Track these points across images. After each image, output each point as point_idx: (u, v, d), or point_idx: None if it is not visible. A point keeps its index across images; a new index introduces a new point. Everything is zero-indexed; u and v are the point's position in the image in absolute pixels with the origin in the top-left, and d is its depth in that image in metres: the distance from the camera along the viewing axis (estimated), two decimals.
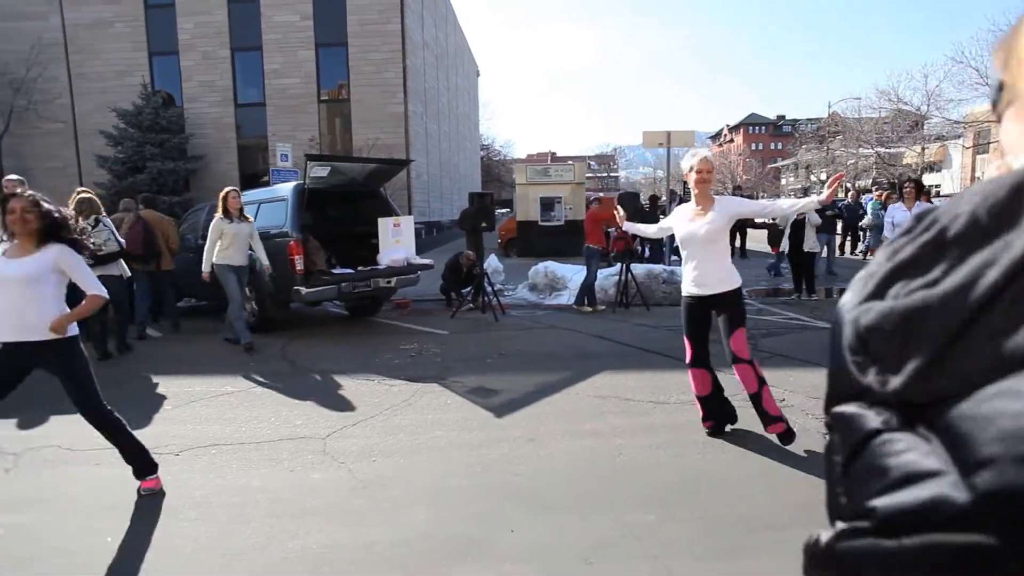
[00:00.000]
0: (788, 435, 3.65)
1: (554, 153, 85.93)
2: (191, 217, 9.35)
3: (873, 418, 0.50)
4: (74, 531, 2.90)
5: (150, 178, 16.82)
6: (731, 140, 79.91)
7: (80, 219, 6.50)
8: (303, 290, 7.08)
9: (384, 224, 7.88)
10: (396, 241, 7.93)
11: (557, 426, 4.11)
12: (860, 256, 14.76)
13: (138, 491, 3.22)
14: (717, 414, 3.90)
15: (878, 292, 0.52)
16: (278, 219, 7.41)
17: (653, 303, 8.71)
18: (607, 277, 9.25)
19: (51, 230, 3.11)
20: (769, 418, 3.65)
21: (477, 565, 2.55)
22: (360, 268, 7.80)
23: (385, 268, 7.74)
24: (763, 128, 79.81)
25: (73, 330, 3.15)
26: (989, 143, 24.65)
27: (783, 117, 77.94)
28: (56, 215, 3.14)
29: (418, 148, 19.67)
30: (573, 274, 9.71)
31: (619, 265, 8.90)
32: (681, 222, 3.80)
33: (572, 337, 6.89)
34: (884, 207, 12.33)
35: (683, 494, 3.12)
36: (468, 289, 9.04)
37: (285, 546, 2.72)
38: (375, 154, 15.91)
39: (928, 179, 29.67)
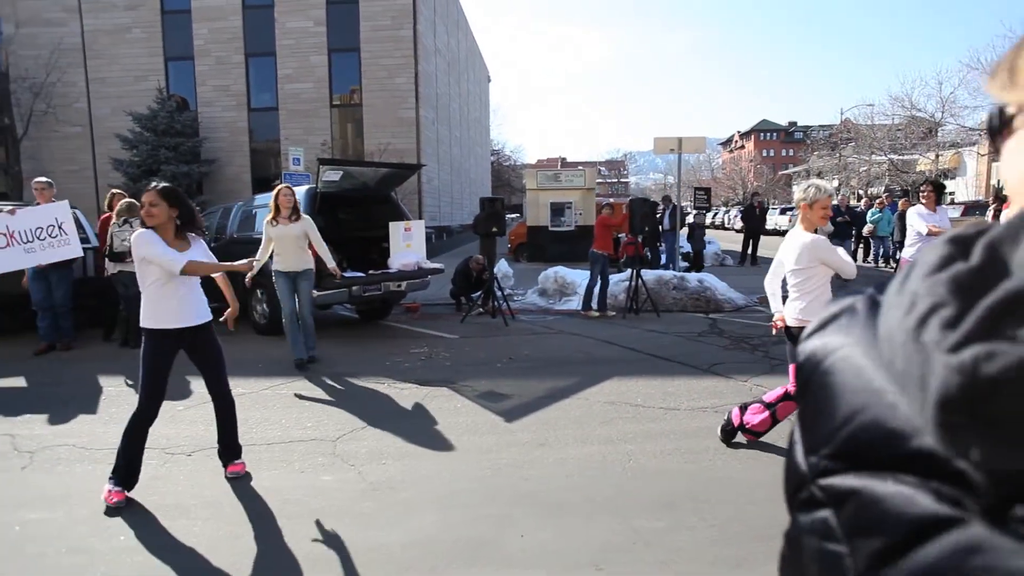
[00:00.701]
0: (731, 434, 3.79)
1: (564, 158, 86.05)
2: (205, 220, 9.43)
3: (938, 503, 0.34)
4: (87, 529, 2.93)
5: (165, 181, 17.02)
6: (742, 146, 79.63)
7: (118, 219, 6.73)
8: (314, 293, 7.10)
9: (395, 228, 7.92)
10: (407, 245, 7.96)
11: (567, 431, 4.11)
12: (872, 264, 14.58)
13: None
14: None
15: (990, 329, 0.34)
16: None
17: (663, 309, 8.68)
18: (617, 283, 9.23)
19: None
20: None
21: (486, 568, 2.55)
22: (371, 272, 7.84)
23: (396, 272, 7.77)
24: (774, 134, 79.46)
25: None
26: None
27: (795, 123, 77.57)
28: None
29: (429, 153, 19.76)
30: (583, 279, 9.70)
31: (629, 271, 8.88)
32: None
33: (582, 343, 6.88)
34: (900, 215, 12.24)
35: (694, 501, 3.10)
36: (478, 293, 9.05)
37: (297, 546, 2.73)
38: (386, 159, 16.01)
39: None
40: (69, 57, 18.76)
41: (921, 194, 6.73)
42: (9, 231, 6.36)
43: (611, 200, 11.48)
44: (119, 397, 5.08)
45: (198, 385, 5.32)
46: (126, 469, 3.17)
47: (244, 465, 3.52)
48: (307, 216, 6.02)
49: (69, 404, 4.89)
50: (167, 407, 4.74)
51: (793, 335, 3.51)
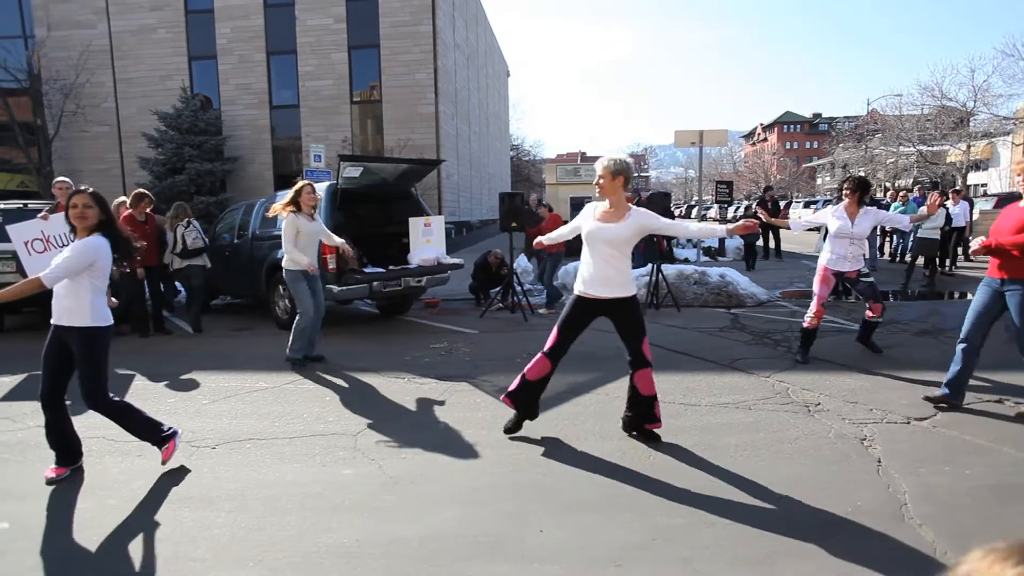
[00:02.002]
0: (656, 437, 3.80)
1: (584, 153, 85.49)
2: (227, 217, 9.58)
3: None
4: (115, 520, 3.00)
5: (188, 179, 17.32)
6: (765, 139, 78.31)
7: (174, 221, 7.07)
8: (335, 288, 7.19)
9: (415, 224, 7.96)
10: (427, 241, 8.00)
11: (586, 427, 4.09)
12: (888, 259, 14.11)
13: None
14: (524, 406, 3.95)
15: None
16: None
17: (684, 304, 8.60)
18: (637, 278, 9.17)
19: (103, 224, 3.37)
20: (654, 418, 3.80)
21: (505, 564, 2.55)
22: (391, 267, 7.89)
23: (416, 267, 7.81)
24: (798, 127, 78.02)
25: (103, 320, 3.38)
26: None
27: (819, 115, 76.08)
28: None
29: (448, 148, 19.80)
30: None
31: (650, 266, 8.81)
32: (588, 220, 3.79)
33: (602, 338, 6.83)
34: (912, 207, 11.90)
35: (715, 497, 3.07)
36: (498, 289, 9.06)
37: (317, 539, 2.76)
38: (406, 154, 16.08)
39: (973, 178, 28.59)
40: (98, 58, 19.16)
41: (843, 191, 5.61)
42: (45, 235, 6.53)
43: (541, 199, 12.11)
44: (144, 390, 5.19)
45: (221, 380, 5.42)
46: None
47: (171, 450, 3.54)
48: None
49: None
50: (192, 401, 4.85)
51: None
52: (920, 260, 10.74)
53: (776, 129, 77.73)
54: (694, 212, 16.88)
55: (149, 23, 19.32)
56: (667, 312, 8.24)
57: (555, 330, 3.85)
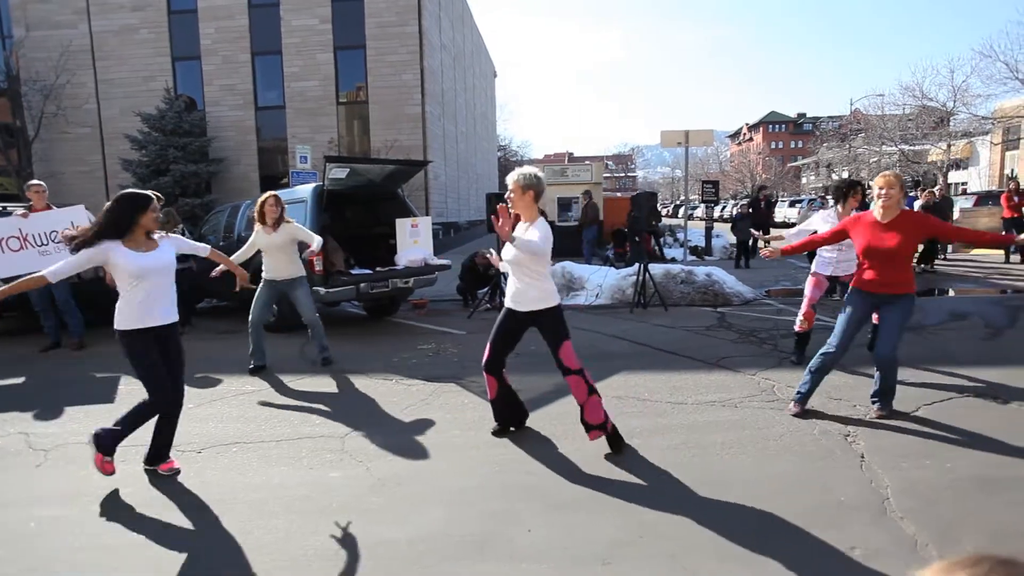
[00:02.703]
0: (616, 441, 3.68)
1: (571, 153, 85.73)
2: (213, 219, 9.50)
3: None
4: (101, 526, 2.97)
5: (173, 181, 17.15)
6: (750, 139, 78.98)
7: (166, 228, 7.12)
8: (322, 290, 7.16)
9: (402, 225, 7.94)
10: (414, 242, 7.98)
11: (574, 426, 4.10)
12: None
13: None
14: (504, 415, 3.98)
15: None
16: (298, 220, 7.48)
17: (671, 303, 8.65)
18: (625, 277, 9.22)
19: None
20: (589, 427, 3.66)
21: (494, 563, 2.56)
22: (378, 269, 7.87)
23: (403, 268, 7.80)
24: (783, 126, 78.78)
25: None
26: (1019, 139, 24.06)
27: (804, 115, 76.87)
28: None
29: (435, 149, 19.77)
30: (591, 274, 9.69)
31: (637, 265, 8.86)
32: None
33: (590, 337, 6.87)
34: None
35: (702, 495, 3.10)
36: (485, 289, 9.06)
37: (305, 541, 2.76)
38: (393, 155, 16.04)
39: (954, 176, 29.03)
40: (78, 59, 18.92)
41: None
42: (23, 234, 6.44)
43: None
44: (133, 395, 5.13)
45: (207, 384, 5.38)
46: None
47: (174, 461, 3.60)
48: (290, 221, 5.83)
49: (82, 402, 4.95)
50: None
51: None
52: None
53: (761, 129, 78.42)
54: (680, 211, 16.99)
55: (131, 23, 19.11)
56: (654, 311, 8.29)
57: (488, 344, 3.87)
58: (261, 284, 5.83)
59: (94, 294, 7.79)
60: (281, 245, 5.74)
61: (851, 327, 4.06)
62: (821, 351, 4.14)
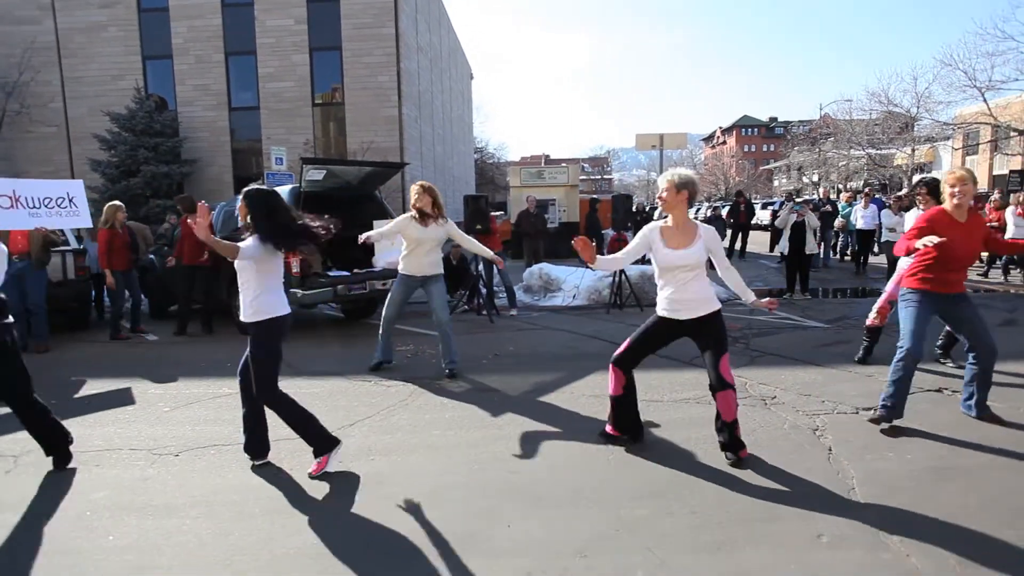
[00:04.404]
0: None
1: (548, 156, 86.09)
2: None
3: None
4: (76, 530, 2.94)
5: (144, 182, 16.82)
6: (724, 142, 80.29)
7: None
8: (299, 292, 7.12)
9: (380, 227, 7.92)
10: (392, 243, 7.97)
11: (553, 425, 4.17)
12: (838, 258, 14.63)
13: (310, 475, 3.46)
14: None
15: None
16: None
17: (647, 304, 8.79)
18: (601, 278, 9.33)
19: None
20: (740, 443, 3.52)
21: (475, 559, 2.61)
22: (356, 270, 7.85)
23: (381, 270, 7.79)
24: (755, 130, 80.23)
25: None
26: (978, 144, 24.89)
27: (775, 119, 78.36)
28: None
29: (412, 151, 19.72)
30: (567, 275, 9.79)
31: None
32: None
33: (567, 338, 6.96)
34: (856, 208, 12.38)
35: (676, 489, 3.18)
36: (464, 292, 9.10)
37: (286, 542, 2.77)
38: (369, 157, 15.97)
39: (918, 179, 29.92)
40: (43, 56, 18.45)
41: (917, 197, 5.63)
42: (15, 195, 6.41)
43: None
44: (101, 399, 5.06)
45: (183, 386, 5.32)
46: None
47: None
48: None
49: (49, 406, 4.86)
50: (152, 409, 4.75)
51: None
52: (887, 262, 11.16)
53: (734, 132, 79.76)
54: (656, 214, 17.22)
55: (99, 20, 18.70)
56: (630, 311, 8.41)
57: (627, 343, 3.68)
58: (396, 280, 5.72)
59: (66, 298, 7.66)
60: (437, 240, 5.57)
61: (923, 324, 3.92)
62: (899, 356, 3.87)
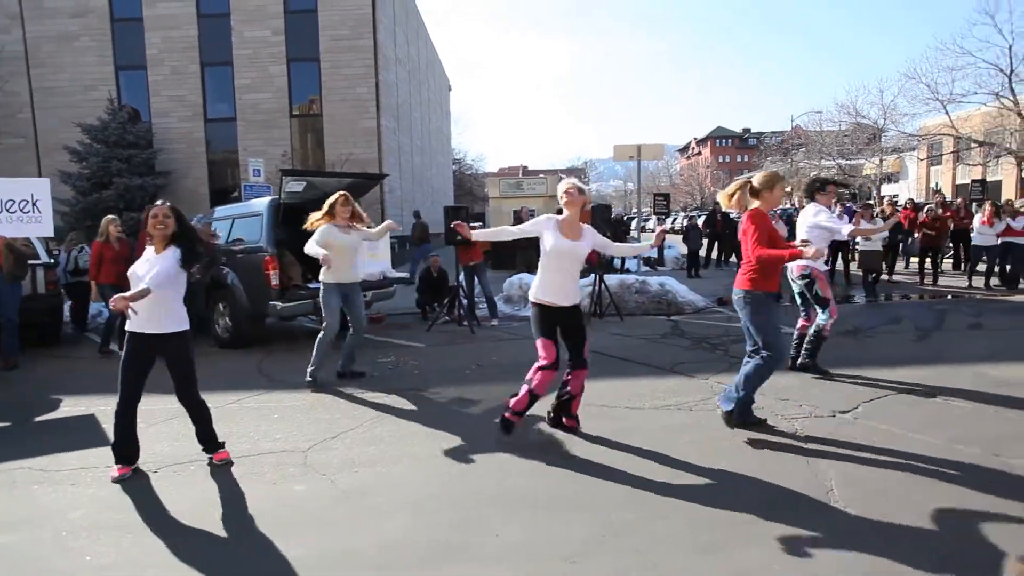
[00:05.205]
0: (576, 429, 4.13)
1: (526, 167, 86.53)
2: None
3: None
4: (51, 551, 2.86)
5: (116, 194, 16.50)
6: (699, 153, 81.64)
7: (69, 245, 6.88)
8: (279, 305, 7.06)
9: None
10: (371, 255, 7.95)
11: (537, 433, 4.19)
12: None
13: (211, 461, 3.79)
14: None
15: None
16: (253, 234, 7.39)
17: (626, 313, 8.88)
18: (581, 287, 9.39)
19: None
20: (572, 416, 4.16)
21: (463, 567, 2.61)
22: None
23: (360, 282, 7.74)
24: (729, 141, 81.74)
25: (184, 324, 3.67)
26: (941, 155, 25.70)
27: (748, 130, 79.93)
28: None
29: (391, 163, 19.69)
30: None
31: (593, 276, 9.06)
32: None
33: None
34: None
35: (663, 493, 3.22)
36: (444, 302, 9.09)
37: (271, 556, 2.73)
38: (348, 169, 15.92)
39: (886, 189, 30.73)
40: (10, 66, 18.07)
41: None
42: None
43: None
44: (73, 417, 4.95)
45: (160, 402, 5.22)
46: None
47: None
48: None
49: (21, 424, 4.74)
50: None
51: None
52: (862, 271, 11.41)
53: (709, 143, 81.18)
54: (633, 224, 17.41)
55: (71, 30, 18.39)
56: (610, 320, 8.49)
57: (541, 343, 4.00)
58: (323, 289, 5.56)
59: (36, 312, 7.47)
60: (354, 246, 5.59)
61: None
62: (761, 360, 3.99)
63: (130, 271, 3.64)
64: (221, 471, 3.69)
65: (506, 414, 4.03)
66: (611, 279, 9.46)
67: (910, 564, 2.50)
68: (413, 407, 4.90)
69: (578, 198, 3.99)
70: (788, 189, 38.40)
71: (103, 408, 5.06)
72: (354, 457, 3.86)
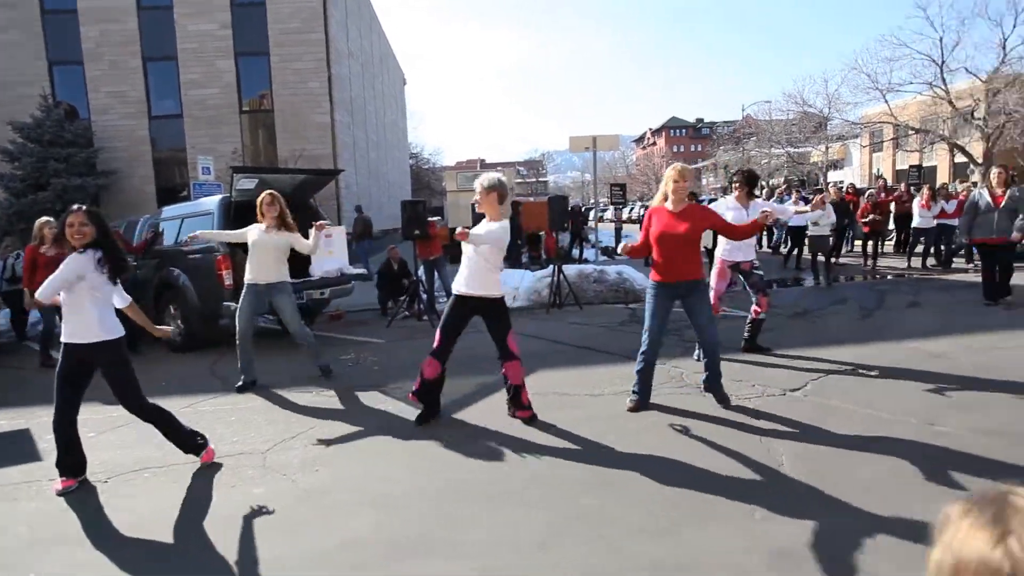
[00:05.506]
0: (533, 419, 4.22)
1: (484, 160, 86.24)
2: None
3: None
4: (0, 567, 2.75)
5: (55, 195, 15.74)
6: (654, 143, 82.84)
7: (4, 251, 6.42)
8: (233, 305, 6.86)
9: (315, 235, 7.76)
10: (328, 252, 7.82)
11: (499, 424, 4.22)
12: (770, 251, 15.51)
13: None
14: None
15: None
16: None
17: (585, 302, 8.99)
18: (540, 279, 9.47)
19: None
20: (523, 407, 4.24)
21: (429, 560, 2.62)
22: (292, 280, 7.64)
23: (318, 279, 7.63)
24: (683, 131, 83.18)
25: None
26: (882, 142, 26.78)
27: (701, 120, 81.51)
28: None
29: (346, 158, 19.35)
30: (507, 278, 9.87)
31: (551, 267, 9.14)
32: None
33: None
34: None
35: (623, 478, 3.29)
36: (403, 297, 9.03)
37: (232, 560, 2.69)
38: (302, 165, 15.57)
39: (833, 175, 31.86)
40: None
41: (733, 185, 5.91)
42: None
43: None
44: (13, 431, 4.73)
45: (109, 410, 5.04)
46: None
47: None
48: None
49: None
50: None
51: None
52: (811, 255, 11.76)
53: (664, 133, 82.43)
54: (591, 215, 17.62)
55: None
56: (570, 310, 8.58)
57: (438, 332, 4.32)
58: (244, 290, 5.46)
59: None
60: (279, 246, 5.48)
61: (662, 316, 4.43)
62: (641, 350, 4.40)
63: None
64: (175, 478, 3.60)
65: (409, 395, 4.37)
66: (570, 269, 9.56)
67: (852, 531, 2.64)
68: (374, 403, 4.87)
69: (484, 196, 4.25)
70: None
71: (45, 420, 4.85)
72: (315, 456, 3.81)
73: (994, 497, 0.61)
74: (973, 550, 0.58)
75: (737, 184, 5.69)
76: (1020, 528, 0.57)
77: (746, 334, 5.84)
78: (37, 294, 3.36)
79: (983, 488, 0.64)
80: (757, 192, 6.06)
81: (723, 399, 4.29)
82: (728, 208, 5.54)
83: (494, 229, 4.18)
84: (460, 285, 4.19)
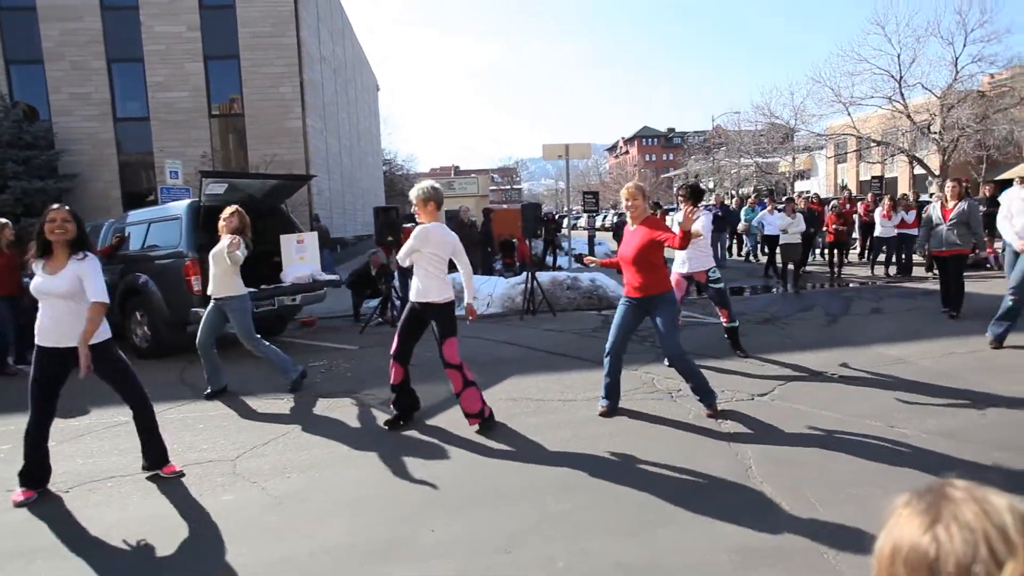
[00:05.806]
0: (489, 422, 4.21)
1: (458, 167, 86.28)
2: None
3: None
4: None
5: (14, 198, 15.28)
6: (627, 152, 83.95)
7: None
8: (201, 312, 6.75)
9: (287, 241, 7.69)
10: (300, 258, 7.75)
11: (471, 430, 4.23)
12: (742, 258, 15.93)
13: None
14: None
15: None
16: (172, 239, 7.05)
17: (559, 309, 9.05)
18: (514, 286, 9.51)
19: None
20: (467, 415, 4.21)
21: (401, 565, 2.62)
22: (263, 287, 7.55)
23: (289, 286, 7.54)
24: (655, 140, 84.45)
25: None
26: (846, 153, 27.60)
27: (673, 130, 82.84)
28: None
29: (318, 164, 19.17)
30: (481, 284, 9.89)
31: (525, 274, 9.19)
32: None
33: (482, 344, 7.04)
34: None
35: (593, 482, 3.34)
36: (375, 302, 8.99)
37: (201, 569, 2.65)
38: (273, 170, 15.38)
39: (800, 185, 32.70)
40: None
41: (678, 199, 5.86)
42: None
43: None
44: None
45: (72, 419, 4.91)
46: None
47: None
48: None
49: None
50: None
51: None
52: (782, 263, 12.02)
53: (636, 142, 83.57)
54: (565, 222, 17.75)
55: None
56: (543, 317, 8.64)
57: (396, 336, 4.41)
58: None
59: None
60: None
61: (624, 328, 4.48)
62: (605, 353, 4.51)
63: (35, 287, 3.39)
64: (140, 488, 3.52)
65: (388, 403, 4.47)
66: (543, 276, 9.63)
67: (817, 530, 2.72)
68: (347, 410, 4.83)
69: (421, 206, 4.31)
70: (712, 186, 40.09)
71: (8, 426, 4.70)
72: (285, 463, 3.77)
73: (933, 488, 0.66)
74: (906, 535, 0.63)
75: (683, 197, 5.74)
76: (949, 517, 0.61)
77: (728, 341, 6.10)
78: (104, 297, 3.35)
79: (929, 481, 0.68)
80: (712, 205, 6.24)
81: (712, 400, 4.29)
82: (678, 223, 5.65)
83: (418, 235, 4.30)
84: (411, 292, 4.36)
